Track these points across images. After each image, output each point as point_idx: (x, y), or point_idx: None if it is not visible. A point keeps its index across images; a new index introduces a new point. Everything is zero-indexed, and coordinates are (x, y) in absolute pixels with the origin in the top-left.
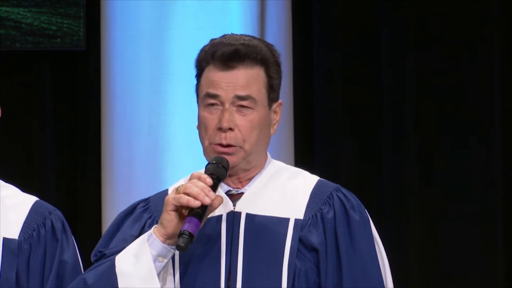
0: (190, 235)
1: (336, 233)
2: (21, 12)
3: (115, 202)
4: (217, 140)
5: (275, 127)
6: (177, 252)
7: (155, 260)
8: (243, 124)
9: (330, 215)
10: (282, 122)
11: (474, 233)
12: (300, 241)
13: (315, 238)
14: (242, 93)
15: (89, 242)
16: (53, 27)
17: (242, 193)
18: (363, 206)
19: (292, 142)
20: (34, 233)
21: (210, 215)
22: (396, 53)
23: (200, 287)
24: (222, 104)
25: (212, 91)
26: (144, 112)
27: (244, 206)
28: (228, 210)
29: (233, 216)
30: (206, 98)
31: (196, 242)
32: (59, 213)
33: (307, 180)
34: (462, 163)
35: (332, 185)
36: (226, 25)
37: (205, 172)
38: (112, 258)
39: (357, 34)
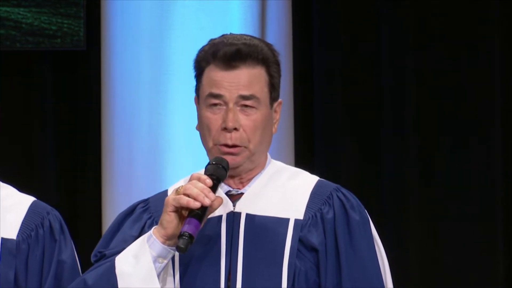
0: (190, 237)
1: (336, 233)
2: (21, 12)
3: (115, 202)
4: (222, 141)
5: (276, 126)
6: (177, 253)
7: (155, 261)
8: (247, 124)
9: (330, 215)
10: (282, 122)
11: (474, 233)
12: (300, 241)
13: (315, 238)
14: (245, 92)
15: (89, 242)
16: (53, 27)
17: (242, 194)
18: (363, 206)
19: (292, 142)
20: (33, 233)
21: (210, 216)
22: (396, 53)
23: (200, 287)
24: (226, 104)
25: (215, 91)
26: (144, 112)
27: (244, 207)
28: (228, 211)
29: (233, 217)
30: (209, 98)
31: (196, 243)
32: (56, 213)
33: (307, 180)
34: (462, 163)
35: (332, 185)
36: (226, 25)
37: (205, 173)
38: (112, 259)
39: (357, 34)
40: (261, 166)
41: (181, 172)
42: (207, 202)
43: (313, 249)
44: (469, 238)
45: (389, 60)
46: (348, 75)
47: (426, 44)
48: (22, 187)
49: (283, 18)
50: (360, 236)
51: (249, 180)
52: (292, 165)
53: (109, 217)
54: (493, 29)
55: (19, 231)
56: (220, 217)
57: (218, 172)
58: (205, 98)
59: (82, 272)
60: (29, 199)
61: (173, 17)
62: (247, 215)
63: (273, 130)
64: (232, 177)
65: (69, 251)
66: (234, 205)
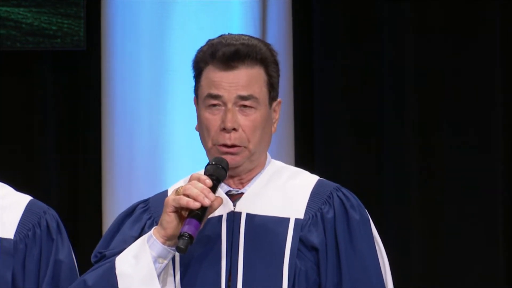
0: (190, 237)
1: (336, 232)
2: (21, 12)
3: (115, 202)
4: (221, 141)
5: (275, 125)
6: (177, 253)
7: (155, 261)
8: (246, 124)
9: (330, 214)
10: (282, 122)
11: (474, 233)
12: (300, 241)
13: (315, 238)
14: (244, 93)
15: (89, 242)
16: (54, 27)
17: (242, 193)
18: (363, 205)
19: (292, 142)
20: (30, 233)
21: (210, 216)
22: (396, 53)
23: (200, 287)
24: (225, 104)
25: (214, 91)
26: (144, 112)
27: (244, 206)
28: (228, 210)
29: (233, 216)
30: (207, 99)
31: (196, 243)
32: (53, 212)
33: (307, 180)
34: (462, 163)
35: (332, 184)
36: (226, 25)
37: (205, 173)
38: (112, 259)
39: (357, 34)
40: (261, 166)
41: (181, 172)
42: (207, 202)
43: (314, 249)
44: (469, 238)
45: (389, 60)
46: (348, 75)
47: (426, 44)
48: (22, 187)
49: (283, 18)
50: (360, 236)
51: (249, 180)
52: (292, 165)
53: (109, 218)
54: (493, 29)
55: (16, 230)
56: (220, 217)
57: (217, 172)
58: (204, 99)
59: (79, 271)
60: (26, 199)
61: (173, 17)
62: (248, 215)
63: (273, 129)
64: (232, 177)
65: (66, 251)
66: (234, 205)
